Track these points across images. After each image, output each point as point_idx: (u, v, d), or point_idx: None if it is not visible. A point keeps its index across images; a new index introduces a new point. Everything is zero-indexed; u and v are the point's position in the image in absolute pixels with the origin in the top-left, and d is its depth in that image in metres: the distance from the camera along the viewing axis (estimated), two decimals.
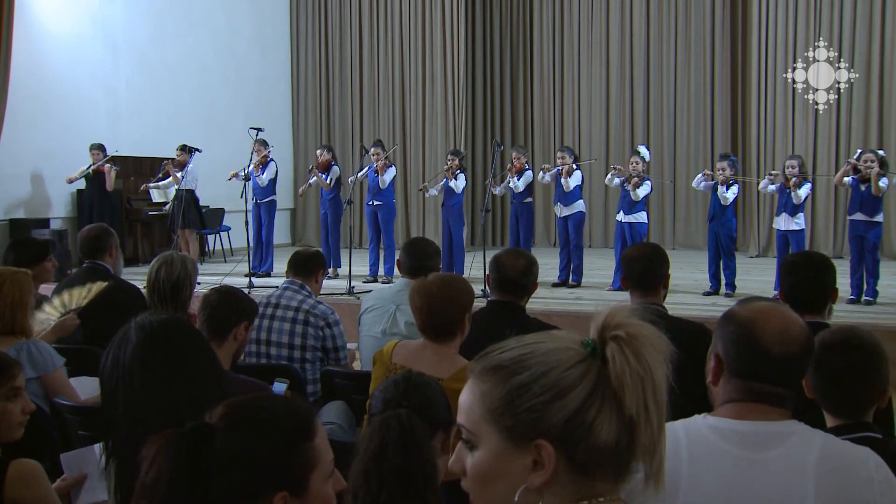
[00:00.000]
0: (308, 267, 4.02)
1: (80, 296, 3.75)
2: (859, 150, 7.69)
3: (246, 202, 9.04)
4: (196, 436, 1.22)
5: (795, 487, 1.50)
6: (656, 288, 3.17)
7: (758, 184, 8.50)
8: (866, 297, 7.24)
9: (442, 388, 1.95)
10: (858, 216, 7.27)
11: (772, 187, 8.05)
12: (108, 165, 9.68)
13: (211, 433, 1.23)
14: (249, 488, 1.23)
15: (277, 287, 4.02)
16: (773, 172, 8.33)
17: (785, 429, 1.58)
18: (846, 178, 7.53)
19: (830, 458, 1.52)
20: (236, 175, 9.40)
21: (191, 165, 9.64)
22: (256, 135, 9.14)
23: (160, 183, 10.04)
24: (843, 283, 7.08)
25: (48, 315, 3.59)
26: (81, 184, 9.86)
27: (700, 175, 8.28)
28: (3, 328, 2.99)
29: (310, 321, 3.77)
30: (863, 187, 7.19)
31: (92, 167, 9.65)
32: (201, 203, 10.09)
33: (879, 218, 7.25)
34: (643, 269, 3.17)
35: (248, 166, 9.24)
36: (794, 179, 7.51)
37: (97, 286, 3.87)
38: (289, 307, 3.81)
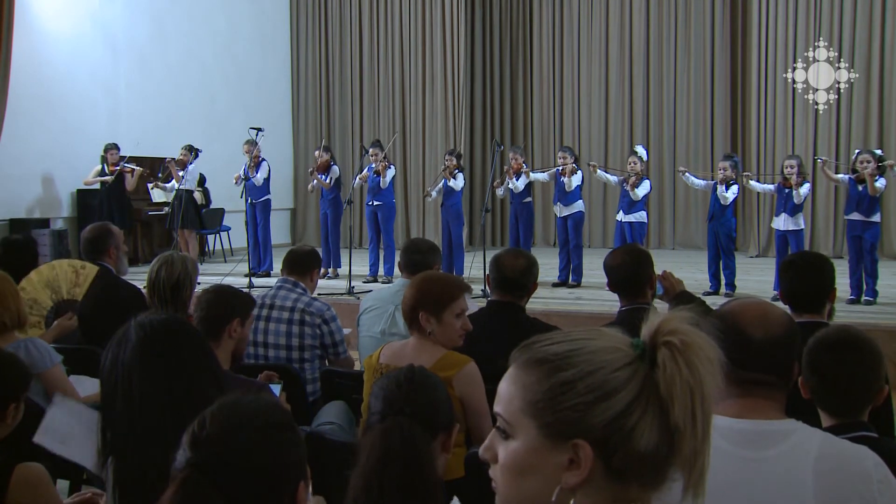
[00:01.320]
0: (304, 265, 3.97)
1: (70, 281, 3.74)
2: (857, 151, 7.69)
3: (245, 203, 9.06)
4: (209, 466, 1.21)
5: (795, 486, 1.50)
6: (642, 290, 3.19)
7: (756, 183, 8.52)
8: (866, 298, 7.23)
9: (444, 385, 1.94)
10: (855, 216, 7.26)
11: (765, 187, 8.04)
12: (139, 168, 9.73)
13: (220, 457, 1.22)
14: (276, 494, 1.24)
15: (271, 287, 3.97)
16: (746, 174, 8.35)
17: (784, 427, 1.58)
18: (839, 176, 7.52)
19: (829, 458, 1.52)
20: (240, 177, 9.38)
21: (192, 166, 9.65)
22: (256, 135, 9.15)
23: (166, 185, 10.05)
24: (843, 283, 7.09)
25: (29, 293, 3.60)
26: (84, 184, 9.86)
27: (682, 176, 8.32)
28: (13, 324, 3.01)
29: (306, 320, 3.74)
30: (860, 187, 7.18)
31: (109, 168, 9.63)
32: (211, 202, 10.10)
33: (876, 218, 7.23)
34: (626, 275, 3.19)
35: (245, 167, 9.25)
36: (794, 179, 7.49)
37: (87, 270, 3.88)
38: (283, 307, 3.77)
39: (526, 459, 0.99)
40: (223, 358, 2.75)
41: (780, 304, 2.37)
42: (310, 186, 9.92)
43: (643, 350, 0.99)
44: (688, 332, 0.98)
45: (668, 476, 0.99)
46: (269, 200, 9.67)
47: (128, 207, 10.07)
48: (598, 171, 8.71)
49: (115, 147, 9.74)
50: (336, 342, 3.80)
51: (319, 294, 7.65)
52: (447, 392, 1.91)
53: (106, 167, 9.70)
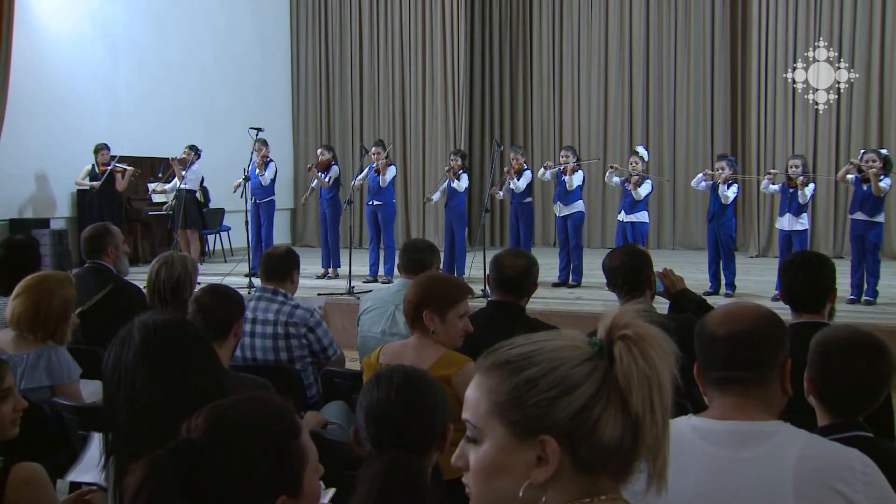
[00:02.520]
0: (281, 269, 3.76)
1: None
2: (862, 151, 7.67)
3: (246, 202, 9.05)
4: (181, 455, 1.20)
5: (775, 485, 1.50)
6: (641, 291, 3.18)
7: (759, 183, 8.47)
8: (866, 297, 7.23)
9: (440, 387, 1.89)
10: (859, 216, 7.26)
11: (773, 187, 8.03)
12: (130, 168, 9.70)
13: (196, 450, 1.20)
14: (249, 499, 1.22)
15: (250, 296, 3.77)
16: (772, 171, 8.32)
17: (767, 428, 1.58)
18: (849, 176, 7.52)
19: (812, 458, 1.51)
20: (239, 185, 9.36)
21: (195, 166, 9.65)
22: (256, 135, 9.15)
23: (166, 186, 10.04)
24: (844, 282, 7.08)
25: None
26: (86, 184, 9.85)
27: (700, 175, 8.28)
28: (45, 335, 2.96)
29: (290, 332, 3.60)
30: (865, 186, 7.18)
31: (100, 168, 9.62)
32: (210, 202, 10.11)
33: (880, 218, 7.22)
34: (624, 276, 3.18)
35: (249, 166, 9.24)
36: (801, 179, 7.48)
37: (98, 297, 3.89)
38: (266, 321, 3.60)
39: (496, 460, 1.02)
40: (226, 356, 2.76)
41: (778, 304, 2.36)
42: (303, 198, 9.88)
43: (601, 346, 1.02)
44: (641, 325, 1.02)
45: (634, 467, 1.03)
46: (273, 201, 9.66)
47: (120, 207, 10.06)
48: (613, 173, 8.67)
49: (106, 147, 9.73)
50: (325, 347, 3.68)
51: (319, 294, 7.68)
52: (442, 393, 1.85)
53: (96, 167, 9.70)
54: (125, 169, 9.73)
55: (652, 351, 1.00)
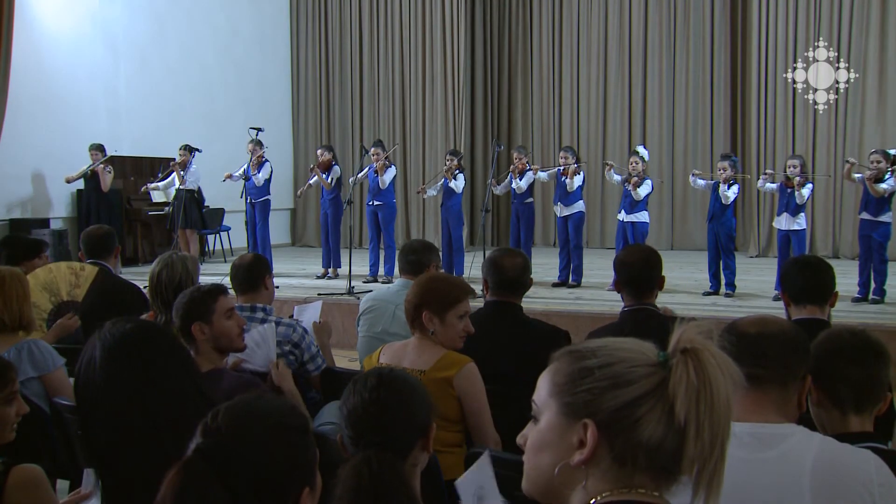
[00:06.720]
0: (253, 279, 3.53)
1: (69, 282, 3.74)
2: (872, 151, 7.67)
3: (245, 202, 9.05)
4: (213, 453, 1.22)
5: (791, 486, 1.51)
6: (651, 291, 3.19)
7: (758, 181, 8.47)
8: (873, 297, 7.24)
9: (421, 384, 1.88)
10: (865, 215, 7.30)
11: (770, 185, 8.04)
12: (101, 166, 9.65)
13: (225, 448, 1.22)
14: (278, 494, 1.24)
15: None
16: (768, 171, 8.33)
17: (783, 430, 1.59)
18: (856, 175, 7.53)
19: (828, 460, 1.53)
20: (230, 176, 9.38)
21: (193, 167, 9.64)
22: (256, 134, 9.15)
23: (160, 184, 10.03)
24: (842, 283, 7.08)
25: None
26: (81, 184, 9.85)
27: (691, 176, 8.29)
28: (13, 324, 3.00)
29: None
30: None
31: (90, 168, 9.64)
32: (205, 202, 10.11)
33: (884, 218, 7.22)
34: (638, 272, 3.18)
35: (246, 167, 9.25)
36: (798, 179, 7.49)
37: (86, 272, 3.88)
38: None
39: (545, 436, 1.10)
40: (207, 360, 2.70)
41: (778, 305, 2.36)
42: (299, 192, 9.86)
43: (666, 359, 1.07)
44: (700, 342, 1.06)
45: (673, 475, 1.06)
46: (268, 201, 9.64)
47: (118, 207, 10.04)
48: (612, 171, 8.68)
49: (98, 148, 9.67)
50: (304, 362, 3.46)
51: (319, 294, 7.69)
52: (423, 392, 1.83)
53: (89, 167, 9.71)
54: (102, 167, 9.67)
55: (709, 367, 1.04)
